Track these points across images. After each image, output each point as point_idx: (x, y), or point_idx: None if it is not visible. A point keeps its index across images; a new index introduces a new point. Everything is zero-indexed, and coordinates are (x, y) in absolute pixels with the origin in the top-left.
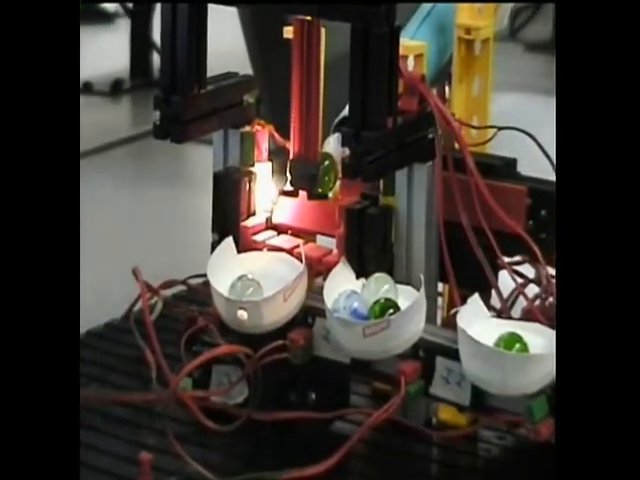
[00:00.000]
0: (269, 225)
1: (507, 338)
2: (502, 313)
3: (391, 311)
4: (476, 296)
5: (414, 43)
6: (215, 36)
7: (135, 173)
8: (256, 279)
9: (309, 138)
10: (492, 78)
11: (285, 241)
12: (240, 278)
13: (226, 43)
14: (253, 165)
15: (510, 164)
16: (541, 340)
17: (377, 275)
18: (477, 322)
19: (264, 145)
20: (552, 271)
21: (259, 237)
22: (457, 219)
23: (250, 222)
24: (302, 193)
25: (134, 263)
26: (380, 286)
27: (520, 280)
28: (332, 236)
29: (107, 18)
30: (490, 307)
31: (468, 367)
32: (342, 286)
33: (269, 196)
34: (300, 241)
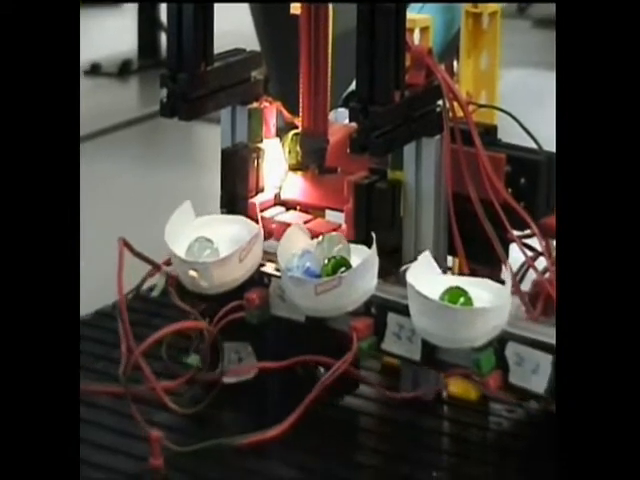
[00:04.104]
0: (278, 201)
1: (451, 292)
2: (512, 286)
3: (343, 269)
4: (427, 253)
5: (420, 16)
6: (222, 13)
7: (144, 153)
8: (213, 241)
9: (317, 113)
10: (500, 52)
11: (294, 217)
12: (197, 240)
13: (233, 20)
14: (261, 141)
15: (490, 131)
16: (489, 295)
17: (330, 234)
18: (427, 278)
19: (272, 121)
20: None
21: (268, 213)
22: (466, 192)
23: (259, 198)
24: (310, 168)
25: (143, 242)
26: (333, 245)
27: (530, 253)
28: (341, 211)
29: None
30: (500, 280)
31: (417, 322)
32: (296, 246)
33: (277, 172)
34: (309, 216)
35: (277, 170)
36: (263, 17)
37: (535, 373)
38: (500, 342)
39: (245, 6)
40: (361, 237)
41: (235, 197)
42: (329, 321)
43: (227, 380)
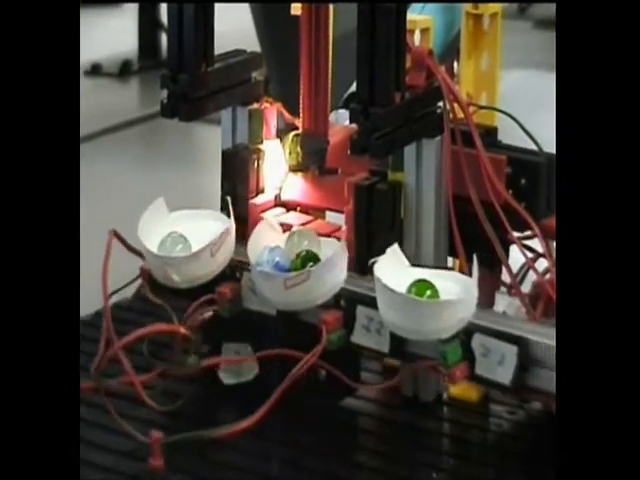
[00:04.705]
0: (278, 202)
1: (418, 285)
2: (512, 288)
3: (311, 263)
4: (395, 246)
5: (420, 17)
6: (223, 14)
7: (144, 154)
8: (186, 235)
9: (318, 114)
10: (501, 54)
11: (294, 218)
12: (169, 235)
13: (234, 21)
14: (262, 142)
15: (491, 132)
16: (457, 287)
17: (300, 229)
18: (395, 271)
19: (272, 122)
20: None
21: (268, 214)
22: (467, 194)
23: (259, 199)
24: (311, 169)
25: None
26: (303, 240)
27: (530, 255)
28: (341, 212)
29: (115, 0)
30: (501, 282)
31: (385, 315)
32: (267, 241)
33: (278, 173)
34: (310, 217)
35: (277, 171)
36: (264, 18)
37: (501, 364)
38: (466, 334)
39: (245, 6)
40: (361, 238)
41: (235, 198)
42: (300, 314)
43: (227, 381)
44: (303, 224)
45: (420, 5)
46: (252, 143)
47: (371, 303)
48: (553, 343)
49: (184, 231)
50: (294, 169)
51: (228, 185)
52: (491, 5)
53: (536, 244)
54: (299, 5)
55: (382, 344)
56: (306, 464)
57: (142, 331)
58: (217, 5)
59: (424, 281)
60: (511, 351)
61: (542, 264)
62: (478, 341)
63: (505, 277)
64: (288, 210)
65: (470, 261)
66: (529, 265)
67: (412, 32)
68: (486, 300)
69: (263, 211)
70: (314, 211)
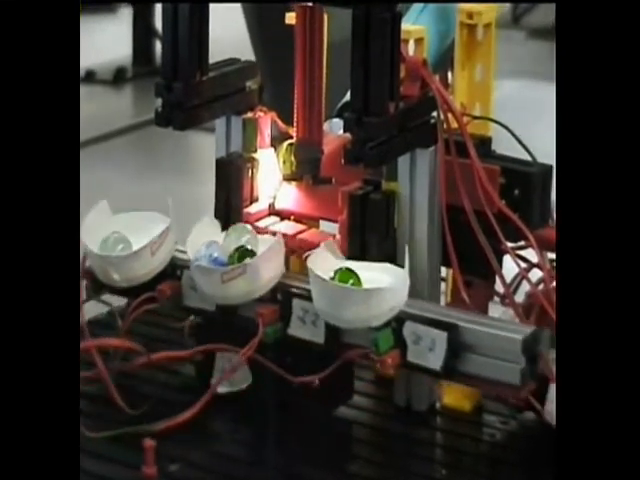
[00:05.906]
0: (272, 211)
1: (341, 273)
2: (506, 297)
3: (248, 258)
4: (330, 240)
5: (414, 27)
6: (217, 22)
7: (138, 161)
8: (127, 235)
9: (312, 123)
10: (495, 64)
11: (288, 227)
12: (111, 235)
13: (228, 29)
14: (256, 151)
15: (485, 143)
16: (389, 278)
17: (237, 225)
18: (328, 263)
19: (266, 131)
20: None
21: (262, 223)
22: (460, 204)
23: (253, 208)
24: (305, 178)
25: None
26: (240, 235)
27: (523, 265)
28: (335, 221)
29: (109, 6)
30: (494, 291)
31: (317, 304)
32: (206, 238)
33: (272, 182)
34: (303, 226)
35: (271, 180)
36: (258, 27)
37: (432, 350)
38: (398, 321)
39: (240, 15)
40: (355, 248)
41: (229, 207)
42: (240, 309)
43: (220, 390)
44: (296, 233)
45: (415, 14)
46: (246, 152)
47: (306, 296)
48: (482, 329)
49: (126, 232)
50: (288, 178)
51: (222, 194)
52: (485, 15)
53: (529, 254)
54: (294, 14)
55: (317, 335)
56: (299, 473)
57: (94, 342)
58: (212, 8)
59: (347, 270)
60: (441, 337)
61: (536, 274)
62: (409, 329)
63: (499, 287)
64: (282, 219)
65: (464, 271)
66: (523, 275)
67: (406, 42)
68: (480, 310)
69: (257, 220)
70: (308, 220)
